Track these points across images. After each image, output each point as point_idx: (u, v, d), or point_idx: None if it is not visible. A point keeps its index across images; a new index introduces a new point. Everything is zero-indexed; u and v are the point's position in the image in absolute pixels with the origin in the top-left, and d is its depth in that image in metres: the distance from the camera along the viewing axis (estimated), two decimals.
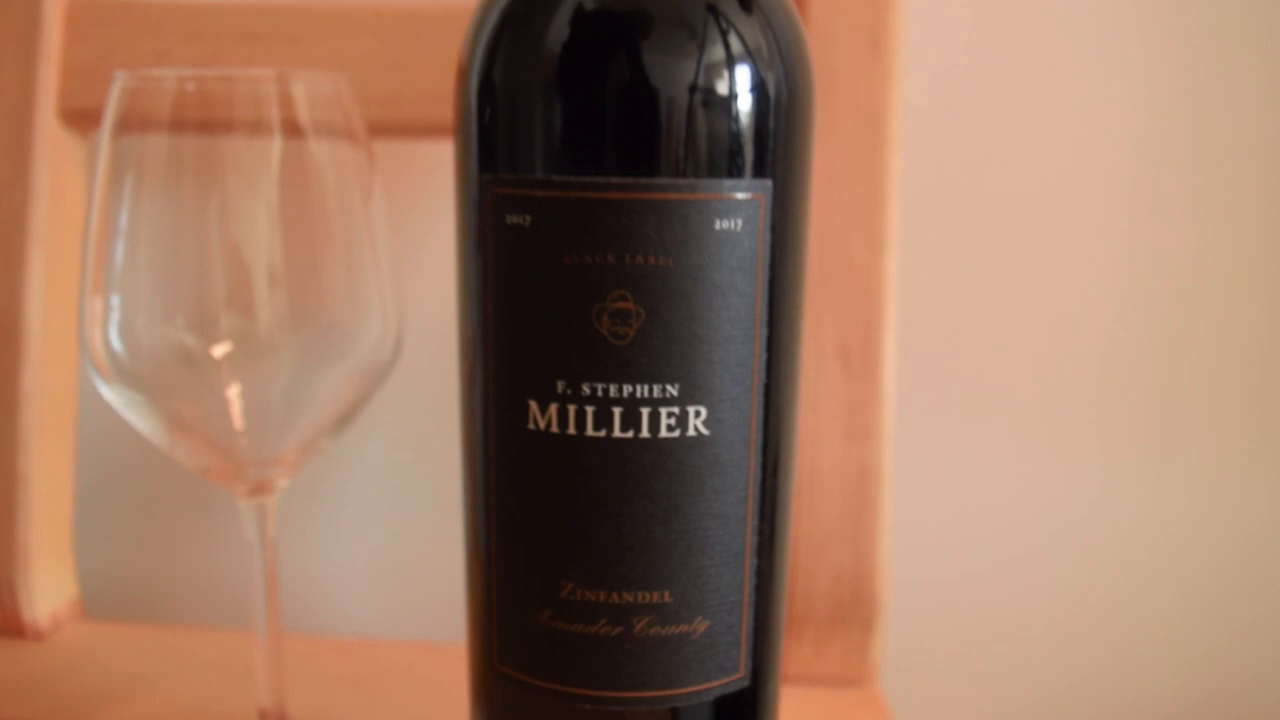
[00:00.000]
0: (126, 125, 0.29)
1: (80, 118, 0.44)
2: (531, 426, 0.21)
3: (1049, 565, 0.48)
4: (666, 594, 0.21)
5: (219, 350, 0.30)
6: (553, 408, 0.20)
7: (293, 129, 0.29)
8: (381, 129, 0.39)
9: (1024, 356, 0.46)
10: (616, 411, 0.20)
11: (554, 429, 0.20)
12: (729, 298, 0.20)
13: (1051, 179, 0.45)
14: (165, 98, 0.29)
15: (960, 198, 0.46)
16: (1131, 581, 0.48)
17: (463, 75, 0.23)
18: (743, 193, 0.20)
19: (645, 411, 0.20)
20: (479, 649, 0.23)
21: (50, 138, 0.43)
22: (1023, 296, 0.46)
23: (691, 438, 0.20)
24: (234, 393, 0.30)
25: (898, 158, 0.36)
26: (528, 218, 0.20)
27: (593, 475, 0.20)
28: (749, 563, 0.22)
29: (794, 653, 0.39)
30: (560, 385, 0.20)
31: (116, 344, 0.29)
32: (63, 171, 0.45)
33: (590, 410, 0.20)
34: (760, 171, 0.21)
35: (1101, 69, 0.45)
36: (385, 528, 0.53)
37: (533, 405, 0.21)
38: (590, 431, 0.20)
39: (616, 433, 0.20)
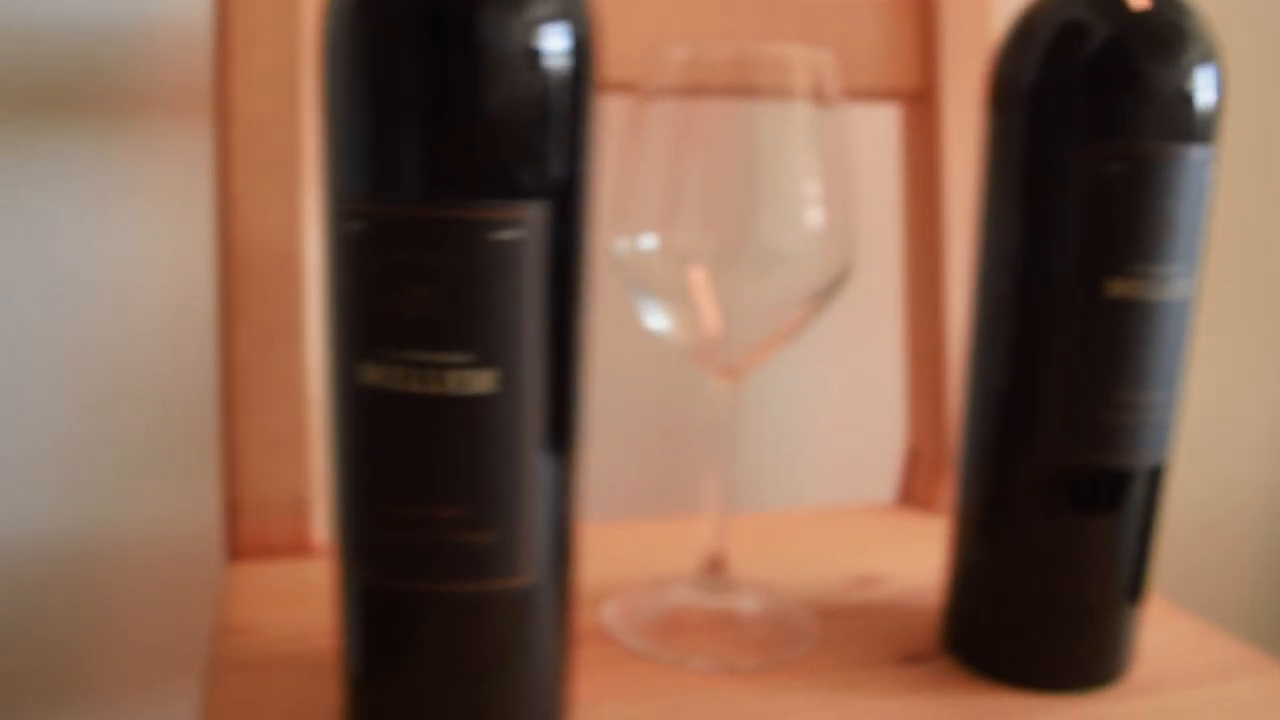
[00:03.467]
0: (658, 90, 0.36)
1: None
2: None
3: None
4: None
5: (705, 268, 0.37)
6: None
7: (796, 92, 0.37)
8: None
9: None
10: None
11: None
12: None
13: None
14: (715, 66, 0.36)
15: None
16: None
17: (1004, 83, 0.35)
18: None
19: None
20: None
21: (311, 84, 0.44)
22: None
23: None
24: (713, 303, 0.38)
25: None
26: (1123, 166, 0.33)
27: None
28: None
29: None
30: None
31: (634, 259, 0.37)
32: None
33: None
34: None
35: None
36: None
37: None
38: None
39: None
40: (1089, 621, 0.38)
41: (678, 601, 0.42)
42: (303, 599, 0.42)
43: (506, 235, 0.26)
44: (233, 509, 0.45)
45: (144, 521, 0.56)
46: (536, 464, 0.28)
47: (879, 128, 0.59)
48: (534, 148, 0.27)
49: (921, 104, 0.54)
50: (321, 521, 0.46)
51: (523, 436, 0.28)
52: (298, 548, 0.45)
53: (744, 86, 0.37)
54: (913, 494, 0.57)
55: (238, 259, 0.44)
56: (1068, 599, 0.38)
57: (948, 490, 0.55)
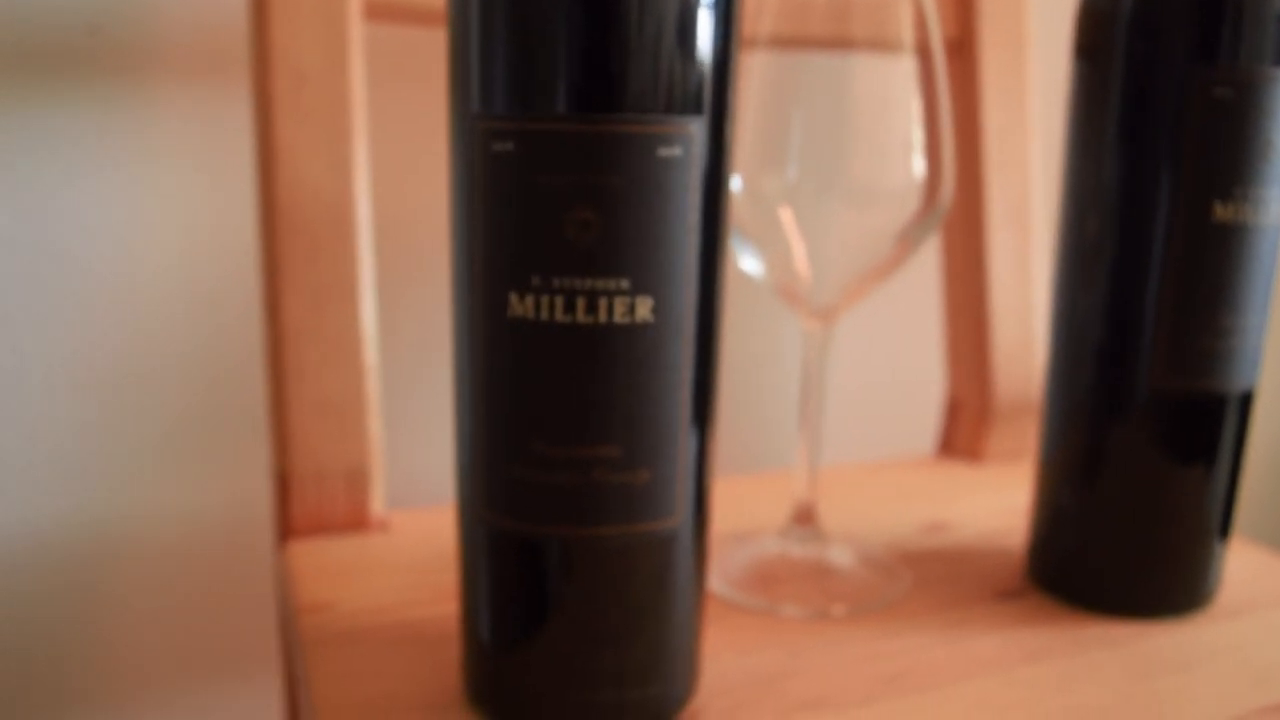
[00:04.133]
0: (754, 29, 0.35)
1: (374, 10, 0.43)
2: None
3: None
4: None
5: (794, 206, 0.36)
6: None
7: (890, 27, 0.36)
8: None
9: None
10: None
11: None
12: None
13: None
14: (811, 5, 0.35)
15: None
16: None
17: (1097, 20, 0.35)
18: None
19: None
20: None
21: (358, 32, 0.42)
22: None
23: None
24: (800, 244, 0.37)
25: None
26: (1229, 90, 0.33)
27: None
28: None
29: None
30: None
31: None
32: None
33: None
34: None
35: None
36: None
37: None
38: None
39: None
40: (1185, 549, 0.38)
41: (767, 552, 0.41)
42: (373, 574, 0.40)
43: (670, 152, 0.25)
44: (284, 483, 0.42)
45: (179, 503, 0.53)
46: (688, 397, 0.27)
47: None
48: (693, 59, 0.25)
49: (959, 55, 0.54)
50: (380, 494, 0.44)
51: (678, 368, 0.26)
52: (356, 523, 0.43)
53: (840, 24, 0.36)
54: (954, 444, 0.57)
55: (284, 216, 0.41)
56: (1165, 528, 0.38)
57: (993, 439, 0.55)
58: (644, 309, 0.25)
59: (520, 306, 0.25)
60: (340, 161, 0.42)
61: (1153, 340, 0.37)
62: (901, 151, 0.37)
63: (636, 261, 0.25)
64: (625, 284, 0.25)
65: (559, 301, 0.25)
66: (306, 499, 0.42)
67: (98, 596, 0.52)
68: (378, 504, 0.44)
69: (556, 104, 0.24)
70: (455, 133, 0.26)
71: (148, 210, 0.50)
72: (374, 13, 0.43)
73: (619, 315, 0.25)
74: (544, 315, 0.25)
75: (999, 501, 0.50)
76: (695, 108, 0.25)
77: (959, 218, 0.55)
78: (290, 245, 0.41)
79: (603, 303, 0.25)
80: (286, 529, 0.43)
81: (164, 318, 0.51)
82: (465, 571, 0.30)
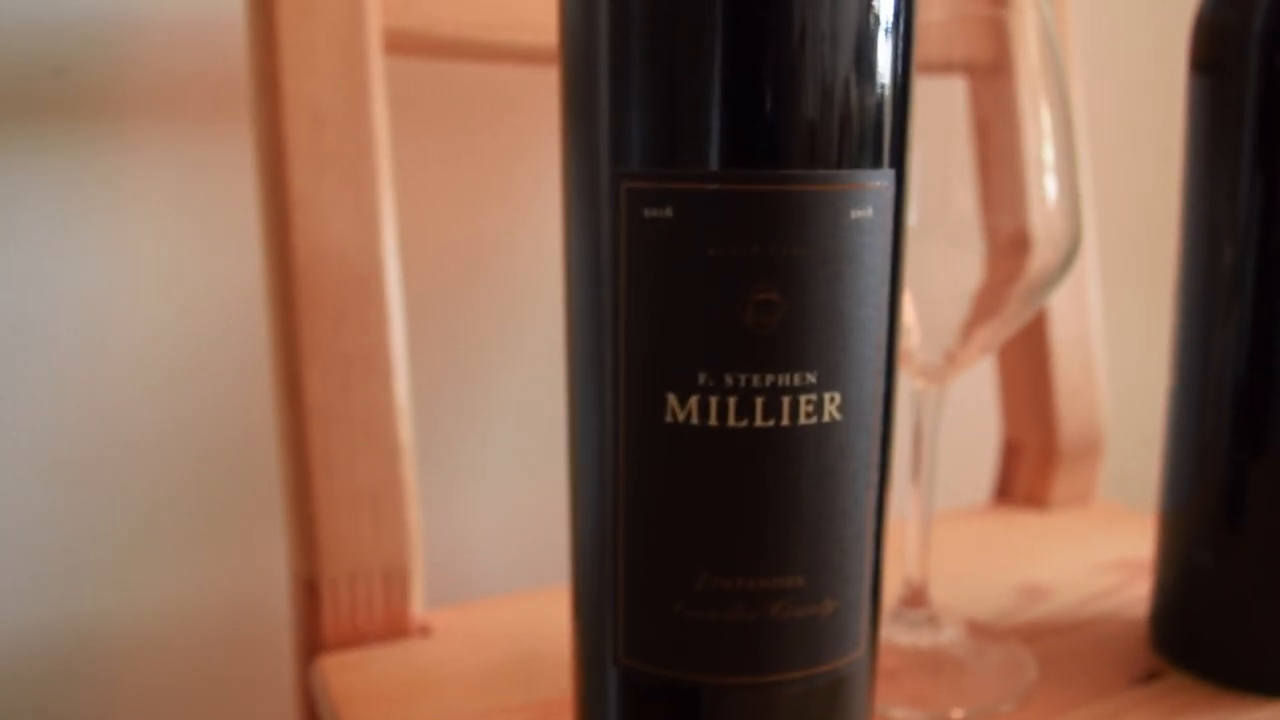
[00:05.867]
0: None
1: (396, 43, 0.37)
2: None
3: None
4: None
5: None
6: None
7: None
8: None
9: None
10: None
11: None
12: None
13: None
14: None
15: None
16: None
17: (1222, 37, 0.31)
18: None
19: None
20: None
21: (378, 67, 0.36)
22: None
23: None
24: (908, 296, 0.33)
25: None
26: None
27: None
28: None
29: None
30: None
31: None
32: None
33: None
34: None
35: None
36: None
37: None
38: None
39: None
40: None
41: None
42: (432, 696, 0.34)
43: (862, 214, 0.20)
44: (312, 589, 0.36)
45: (164, 607, 0.46)
46: (873, 507, 0.22)
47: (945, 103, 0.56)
48: (879, 103, 0.21)
49: (998, 77, 0.51)
50: (420, 594, 0.38)
51: (865, 475, 0.22)
52: (395, 629, 0.37)
53: (949, 48, 0.32)
54: (1013, 490, 0.53)
55: (303, 280, 0.35)
56: None
57: (1059, 484, 0.52)
58: (832, 407, 0.21)
59: (681, 410, 0.21)
60: (366, 215, 0.36)
61: None
62: (1021, 193, 0.33)
63: (824, 349, 0.20)
64: (812, 378, 0.20)
65: (732, 403, 0.20)
66: (339, 606, 0.37)
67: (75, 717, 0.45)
68: (417, 605, 0.38)
69: (728, 160, 0.20)
70: (582, 193, 0.22)
71: (124, 270, 0.43)
72: (393, 46, 0.38)
73: (804, 416, 0.21)
74: (713, 421, 0.20)
75: (1089, 556, 0.46)
76: (879, 159, 0.21)
77: None
78: (312, 314, 0.35)
79: (786, 402, 0.20)
80: (315, 642, 0.37)
81: (144, 394, 0.44)
82: None
